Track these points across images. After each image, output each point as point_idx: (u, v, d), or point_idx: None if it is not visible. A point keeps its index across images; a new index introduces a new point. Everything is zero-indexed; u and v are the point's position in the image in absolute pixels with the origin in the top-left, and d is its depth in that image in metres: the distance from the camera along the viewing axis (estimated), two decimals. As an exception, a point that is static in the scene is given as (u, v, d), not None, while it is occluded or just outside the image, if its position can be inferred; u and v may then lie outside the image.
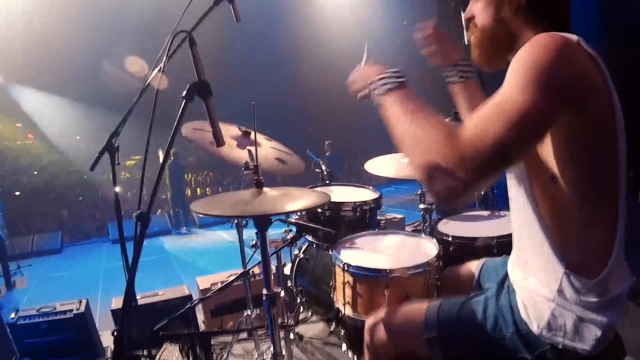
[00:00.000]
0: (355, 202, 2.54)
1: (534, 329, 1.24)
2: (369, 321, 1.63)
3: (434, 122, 1.06)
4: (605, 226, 1.14)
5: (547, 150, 1.13)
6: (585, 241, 1.16)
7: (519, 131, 0.98)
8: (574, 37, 1.10)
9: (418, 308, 1.52)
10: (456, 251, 2.17)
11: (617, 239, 1.14)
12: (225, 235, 9.53)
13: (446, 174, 0.98)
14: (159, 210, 13.03)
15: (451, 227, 2.38)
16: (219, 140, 1.40)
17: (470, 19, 1.33)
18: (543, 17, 1.21)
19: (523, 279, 1.31)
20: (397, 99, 1.17)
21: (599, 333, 1.16)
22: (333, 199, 2.26)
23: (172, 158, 10.34)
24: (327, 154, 12.27)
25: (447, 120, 1.14)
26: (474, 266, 1.80)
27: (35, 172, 16.82)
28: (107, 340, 3.35)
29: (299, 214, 2.67)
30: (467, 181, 0.97)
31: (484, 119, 1.01)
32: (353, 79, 1.37)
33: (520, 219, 1.30)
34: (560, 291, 1.19)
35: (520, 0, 1.21)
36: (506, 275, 1.44)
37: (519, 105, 0.98)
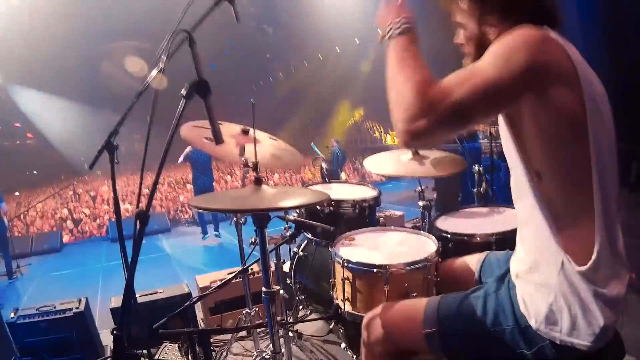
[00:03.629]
0: (354, 200, 2.55)
1: (532, 323, 1.25)
2: (366, 317, 1.64)
3: (417, 69, 1.18)
4: (586, 217, 1.17)
5: (527, 148, 1.21)
6: (573, 230, 1.19)
7: (480, 97, 1.11)
8: (546, 30, 1.18)
9: (417, 304, 1.53)
10: (455, 247, 2.18)
11: (598, 231, 1.16)
12: (225, 233, 9.52)
13: (413, 116, 1.11)
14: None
15: (450, 224, 2.38)
16: (218, 138, 1.41)
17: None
18: (517, 15, 1.24)
19: (525, 271, 1.31)
20: (397, 46, 1.28)
21: (596, 329, 1.17)
22: (332, 197, 2.27)
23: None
24: (332, 148, 12.29)
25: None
26: (474, 260, 1.81)
27: (35, 172, 16.83)
28: (106, 338, 3.35)
29: (297, 211, 2.67)
30: (427, 126, 1.10)
31: (456, 78, 1.14)
32: (379, 16, 1.41)
33: (521, 209, 1.34)
34: (560, 277, 1.20)
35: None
36: (507, 271, 1.45)
37: (485, 76, 1.11)
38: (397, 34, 1.29)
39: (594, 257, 1.16)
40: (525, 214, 1.31)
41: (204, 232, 9.30)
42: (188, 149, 8.08)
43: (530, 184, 1.24)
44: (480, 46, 1.30)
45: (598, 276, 1.17)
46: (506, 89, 1.11)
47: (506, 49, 1.12)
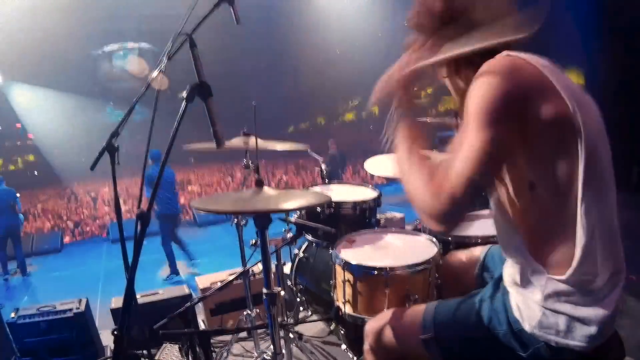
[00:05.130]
0: (355, 201, 2.55)
1: (526, 327, 1.25)
2: (368, 325, 1.64)
3: (420, 174, 1.24)
4: (569, 224, 1.15)
5: (518, 160, 1.18)
6: (552, 238, 1.19)
7: (482, 166, 1.12)
8: (504, 53, 1.19)
9: (415, 310, 1.54)
10: (456, 250, 2.18)
11: (579, 238, 1.14)
12: (225, 234, 9.52)
13: (436, 215, 1.16)
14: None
15: (451, 226, 2.38)
16: (219, 141, 1.41)
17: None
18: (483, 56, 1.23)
19: (516, 281, 1.31)
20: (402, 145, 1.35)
21: (591, 330, 1.17)
22: (333, 198, 2.27)
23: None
24: (329, 151, 12.24)
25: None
26: (478, 251, 1.81)
27: (36, 172, 16.85)
28: (106, 339, 3.35)
29: (298, 213, 2.68)
30: (451, 215, 1.15)
31: (455, 164, 1.14)
32: (383, 84, 1.44)
33: (498, 225, 1.37)
34: (548, 286, 1.20)
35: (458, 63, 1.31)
36: (502, 276, 1.45)
37: (476, 147, 1.12)
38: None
39: (574, 264, 1.15)
40: (502, 233, 1.34)
41: (173, 270, 6.96)
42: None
43: (515, 198, 1.23)
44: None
45: (585, 280, 1.17)
46: (495, 142, 1.12)
47: (477, 111, 1.13)
